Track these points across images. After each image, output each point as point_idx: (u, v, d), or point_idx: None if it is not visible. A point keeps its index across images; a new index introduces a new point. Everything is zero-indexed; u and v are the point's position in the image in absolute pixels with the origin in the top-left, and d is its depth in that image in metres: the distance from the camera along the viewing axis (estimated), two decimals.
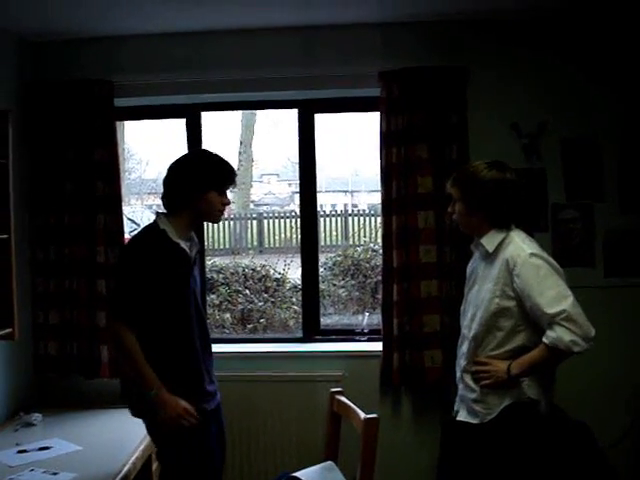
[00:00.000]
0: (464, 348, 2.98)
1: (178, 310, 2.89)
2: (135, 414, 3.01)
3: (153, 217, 3.03)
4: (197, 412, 2.87)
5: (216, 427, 3.06)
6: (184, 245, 2.92)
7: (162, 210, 3.00)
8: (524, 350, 2.83)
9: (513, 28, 4.04)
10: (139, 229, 3.12)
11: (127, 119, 4.66)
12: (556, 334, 2.69)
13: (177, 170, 2.96)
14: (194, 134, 4.41)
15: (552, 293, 2.73)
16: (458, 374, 3.03)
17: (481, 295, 2.90)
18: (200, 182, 2.90)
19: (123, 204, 4.25)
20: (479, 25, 4.04)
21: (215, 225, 7.79)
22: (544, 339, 2.73)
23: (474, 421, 2.91)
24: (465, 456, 2.93)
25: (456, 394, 3.11)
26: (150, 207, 6.76)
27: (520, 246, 2.83)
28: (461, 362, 3.00)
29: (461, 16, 3.97)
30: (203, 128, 4.44)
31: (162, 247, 2.86)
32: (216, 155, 3.02)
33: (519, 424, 2.84)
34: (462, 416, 2.97)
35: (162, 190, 3.01)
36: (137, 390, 2.86)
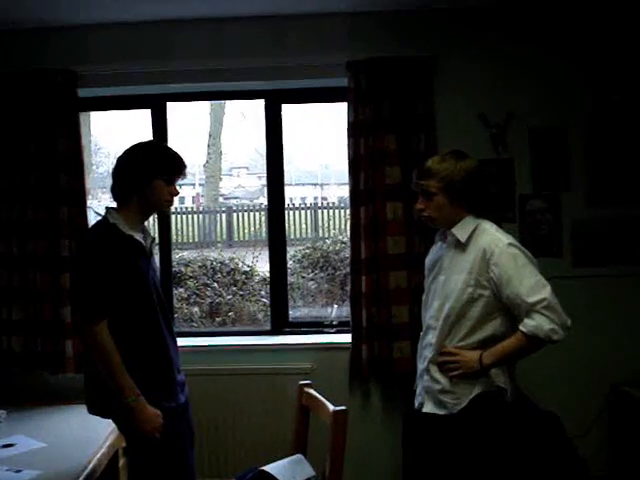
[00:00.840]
0: (429, 339, 2.96)
1: (142, 301, 2.85)
2: (103, 415, 2.96)
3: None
4: (165, 412, 2.84)
5: (185, 421, 3.02)
6: (138, 237, 2.89)
7: (112, 205, 2.96)
8: (492, 340, 2.83)
9: (481, 17, 4.05)
10: (90, 227, 3.07)
11: (91, 110, 4.58)
12: (535, 322, 2.70)
13: (124, 159, 2.93)
14: (160, 125, 4.36)
15: (531, 282, 2.74)
16: (422, 365, 3.00)
17: (450, 285, 2.88)
18: (146, 169, 2.87)
19: (91, 198, 4.20)
20: (447, 14, 4.04)
21: (184, 218, 7.75)
22: (522, 328, 2.73)
23: (442, 412, 2.89)
24: (434, 448, 2.92)
25: (416, 386, 3.11)
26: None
27: (496, 236, 2.85)
28: (426, 353, 2.98)
29: (428, 5, 3.97)
30: (170, 119, 4.40)
31: (116, 240, 2.82)
32: (165, 145, 3.05)
33: (490, 413, 2.84)
34: (428, 408, 2.94)
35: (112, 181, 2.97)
36: (108, 393, 2.81)
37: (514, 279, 2.74)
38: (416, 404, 3.04)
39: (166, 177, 2.91)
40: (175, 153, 2.98)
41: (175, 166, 2.96)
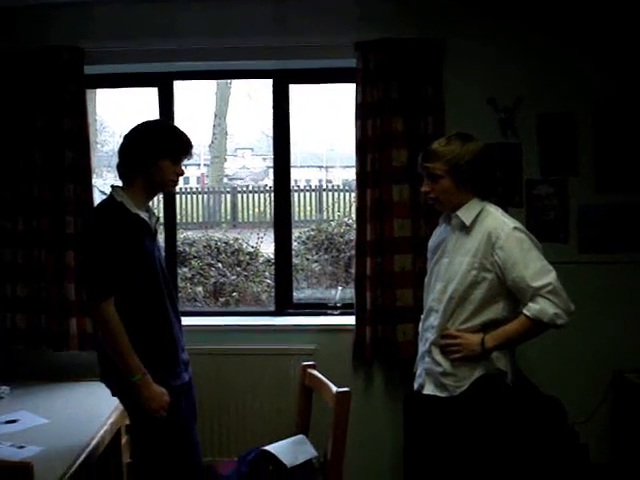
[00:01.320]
0: (432, 321, 2.95)
1: (147, 280, 2.86)
2: (113, 393, 2.98)
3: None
4: (171, 390, 2.85)
5: (189, 400, 3.03)
6: (144, 215, 2.90)
7: (118, 183, 2.96)
8: (495, 323, 2.83)
9: (491, 1, 4.01)
10: (96, 205, 3.06)
11: (98, 87, 4.57)
12: (540, 307, 2.70)
13: (131, 138, 2.92)
14: (166, 103, 4.34)
15: (537, 266, 2.74)
16: (424, 347, 2.99)
17: (454, 268, 2.87)
18: (153, 149, 2.87)
19: (96, 176, 4.19)
20: None
21: (188, 198, 7.74)
22: (526, 311, 2.73)
23: (443, 394, 2.89)
24: (435, 430, 2.92)
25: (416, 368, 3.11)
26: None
27: (502, 220, 2.84)
28: (427, 335, 2.97)
29: None
30: (177, 99, 4.37)
31: (123, 218, 2.82)
32: (171, 124, 3.06)
33: (490, 396, 2.84)
34: (429, 390, 2.94)
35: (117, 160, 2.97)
36: (117, 371, 2.82)
37: (519, 263, 2.73)
38: (416, 386, 3.04)
39: (172, 157, 2.90)
40: (182, 133, 2.97)
41: (182, 146, 2.95)
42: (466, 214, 2.86)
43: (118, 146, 2.98)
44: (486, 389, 2.84)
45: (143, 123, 2.97)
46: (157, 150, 2.87)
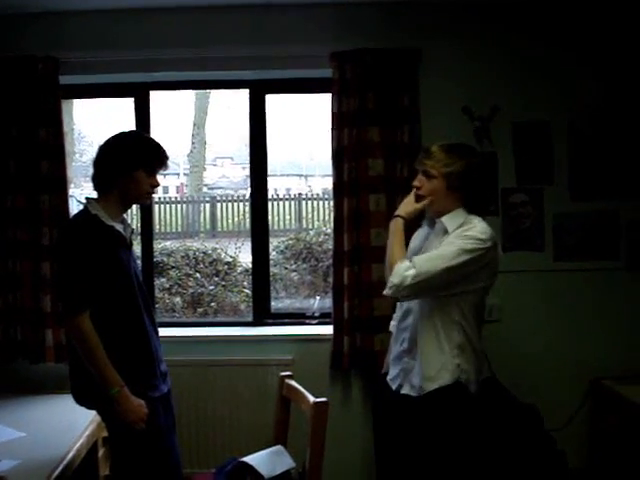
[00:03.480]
0: (409, 321, 2.97)
1: (123, 293, 2.85)
2: (88, 406, 2.96)
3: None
4: (149, 402, 2.85)
5: (167, 412, 3.02)
6: (119, 228, 2.89)
7: (92, 196, 2.94)
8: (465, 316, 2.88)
9: (466, 10, 4.05)
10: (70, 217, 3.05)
11: (73, 97, 4.54)
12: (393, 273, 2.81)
13: (105, 149, 2.91)
14: (143, 114, 4.33)
15: (439, 262, 2.78)
16: (401, 347, 3.01)
17: None
18: (127, 160, 2.86)
19: (74, 186, 4.17)
20: (432, 6, 4.04)
21: (167, 208, 7.70)
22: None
23: (413, 394, 2.92)
24: (406, 429, 2.94)
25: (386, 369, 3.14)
26: None
27: (481, 226, 2.86)
28: (405, 335, 2.99)
29: None
30: (154, 108, 4.36)
31: (97, 231, 2.81)
32: (147, 135, 3.05)
33: (451, 403, 2.86)
34: (406, 389, 2.96)
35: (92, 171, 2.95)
36: (92, 384, 2.79)
37: (453, 242, 2.80)
38: (394, 387, 3.04)
39: (147, 168, 2.90)
40: (157, 144, 2.97)
41: (156, 157, 2.94)
42: (450, 222, 2.90)
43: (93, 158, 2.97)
44: (447, 396, 2.86)
45: (117, 135, 2.95)
46: (131, 162, 2.86)
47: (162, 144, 2.98)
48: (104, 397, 2.76)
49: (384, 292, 2.87)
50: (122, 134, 2.98)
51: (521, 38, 4.05)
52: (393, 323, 3.27)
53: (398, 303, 3.11)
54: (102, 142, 2.94)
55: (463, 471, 2.82)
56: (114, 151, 2.89)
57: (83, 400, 2.94)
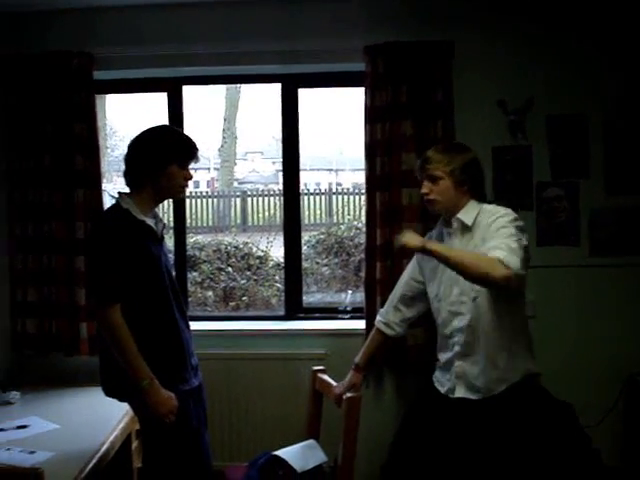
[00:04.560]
0: (456, 325, 2.96)
1: (154, 286, 2.86)
2: (118, 398, 2.98)
3: None
4: (179, 395, 2.86)
5: (199, 405, 3.03)
6: (150, 222, 2.90)
7: (125, 190, 2.96)
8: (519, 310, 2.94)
9: (500, 2, 4.00)
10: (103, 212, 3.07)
11: (107, 92, 4.58)
12: (497, 253, 2.68)
13: (137, 145, 2.92)
14: (175, 109, 4.35)
15: (512, 242, 2.74)
16: (451, 353, 2.99)
17: None
18: (160, 155, 2.86)
19: (105, 181, 4.20)
20: None
21: (198, 202, 7.74)
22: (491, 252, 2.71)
23: (474, 397, 2.91)
24: (461, 432, 2.92)
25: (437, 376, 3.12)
26: None
27: (496, 209, 2.94)
28: (455, 339, 2.97)
29: None
30: (186, 103, 4.38)
31: (128, 224, 2.83)
32: (177, 129, 3.06)
33: (529, 398, 2.92)
34: (460, 393, 2.95)
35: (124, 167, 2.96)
36: (123, 376, 2.81)
37: (503, 229, 2.79)
38: (443, 390, 3.04)
39: (179, 162, 2.90)
40: (187, 137, 2.98)
41: (188, 150, 2.95)
42: (466, 215, 2.96)
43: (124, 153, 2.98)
44: (528, 389, 2.91)
45: (147, 130, 2.96)
46: (163, 156, 2.87)
47: (192, 137, 2.99)
48: (134, 389, 2.78)
49: (510, 264, 2.68)
50: (152, 129, 2.99)
51: (556, 30, 4.00)
52: (379, 318, 3.32)
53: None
54: (132, 138, 2.95)
55: (506, 467, 2.82)
56: (145, 146, 2.90)
57: (113, 392, 2.96)
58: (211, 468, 3.07)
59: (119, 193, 2.94)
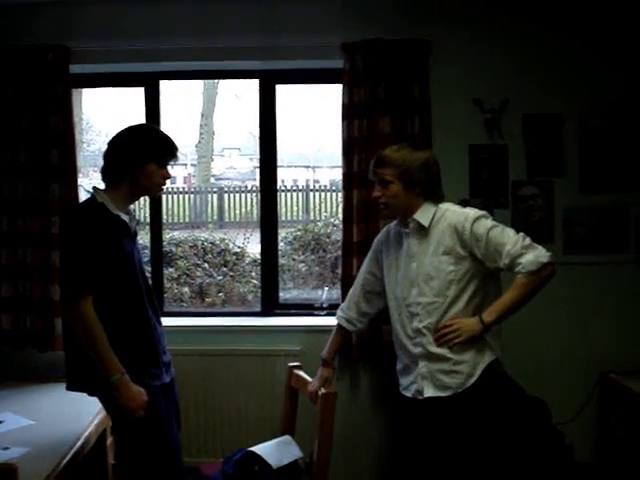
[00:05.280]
0: (416, 325, 2.96)
1: (126, 281, 2.86)
2: (85, 391, 2.96)
3: None
4: (150, 390, 2.86)
5: (170, 401, 3.02)
6: (124, 217, 2.90)
7: (100, 186, 2.95)
8: (481, 305, 2.93)
9: (479, 1, 4.03)
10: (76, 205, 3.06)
11: (83, 86, 4.54)
12: (525, 260, 2.80)
13: (117, 143, 2.93)
14: (152, 104, 4.33)
15: (510, 236, 2.86)
16: (416, 350, 2.98)
17: (425, 269, 2.93)
18: (139, 153, 2.88)
19: (82, 175, 4.17)
20: None
21: (175, 198, 7.71)
22: (518, 272, 2.82)
23: (445, 394, 2.91)
24: (435, 432, 2.93)
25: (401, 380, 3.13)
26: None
27: (462, 211, 2.96)
28: (417, 340, 2.97)
29: None
30: (163, 98, 4.35)
31: (102, 218, 2.83)
32: (156, 128, 3.08)
33: (498, 385, 2.94)
34: (429, 393, 2.94)
35: (102, 164, 2.97)
36: (93, 370, 2.80)
37: (495, 237, 2.85)
38: (410, 394, 3.03)
39: (158, 161, 2.91)
40: (167, 137, 2.98)
41: (167, 149, 2.96)
42: (423, 216, 2.96)
43: (103, 150, 2.97)
44: (494, 377, 2.93)
45: (128, 128, 2.97)
46: (143, 154, 2.88)
47: (171, 136, 2.99)
48: (104, 384, 2.77)
49: (545, 260, 2.81)
50: (132, 127, 3.00)
51: (533, 29, 4.04)
52: (340, 314, 3.34)
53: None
54: (113, 135, 2.95)
55: (479, 462, 2.85)
56: (126, 144, 2.90)
57: (79, 386, 2.95)
58: (182, 463, 3.07)
59: (94, 188, 2.94)
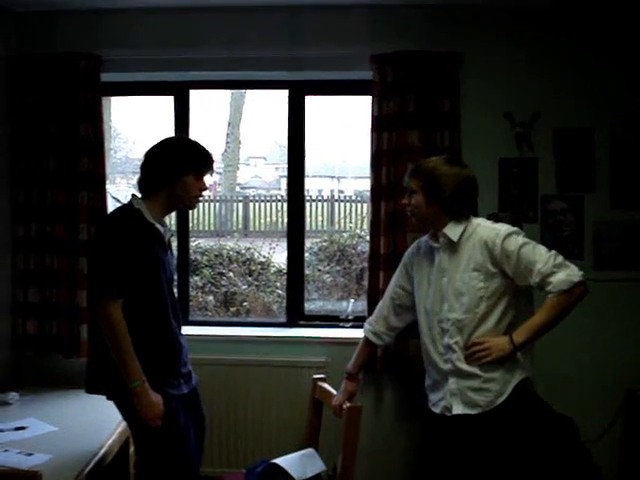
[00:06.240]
0: (447, 341, 2.92)
1: (152, 288, 2.86)
2: (106, 395, 2.96)
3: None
4: (169, 400, 2.86)
5: (190, 413, 3.02)
6: (158, 227, 2.92)
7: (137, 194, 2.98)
8: (512, 324, 2.88)
9: (508, 15, 4.00)
10: (113, 209, 3.08)
11: (114, 95, 4.56)
12: (556, 279, 2.75)
13: (155, 154, 2.95)
14: (182, 112, 4.35)
15: (541, 253, 2.81)
16: (446, 367, 2.94)
17: (455, 285, 2.89)
18: (177, 165, 2.90)
19: (108, 183, 4.19)
20: (476, 10, 4.00)
21: (200, 207, 7.74)
22: (549, 291, 2.77)
23: (474, 412, 2.87)
24: (463, 450, 2.89)
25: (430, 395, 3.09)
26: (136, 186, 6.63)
27: (493, 227, 2.91)
28: (447, 356, 2.93)
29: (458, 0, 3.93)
30: (191, 107, 4.37)
31: (138, 225, 2.85)
32: (193, 140, 3.07)
33: (529, 403, 2.90)
34: (458, 410, 2.90)
35: (139, 175, 3.00)
36: (113, 374, 2.80)
37: (525, 254, 2.80)
38: (438, 410, 2.99)
39: (196, 172, 2.94)
40: (204, 148, 3.01)
41: (204, 161, 2.99)
42: (453, 231, 2.91)
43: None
44: (524, 396, 2.88)
45: (165, 140, 3.01)
46: (180, 166, 2.90)
47: (208, 149, 3.02)
48: (124, 389, 2.77)
49: (577, 280, 2.77)
50: (170, 139, 3.06)
51: (564, 44, 4.00)
52: (368, 327, 3.30)
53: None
54: (150, 147, 2.97)
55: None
56: (163, 156, 2.93)
57: (97, 389, 2.96)
58: (197, 474, 3.06)
59: (133, 195, 2.96)
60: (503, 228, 2.88)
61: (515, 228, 2.90)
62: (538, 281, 2.78)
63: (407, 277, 3.19)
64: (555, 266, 2.76)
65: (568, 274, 2.76)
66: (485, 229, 2.90)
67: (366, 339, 3.32)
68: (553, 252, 2.82)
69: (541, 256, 2.79)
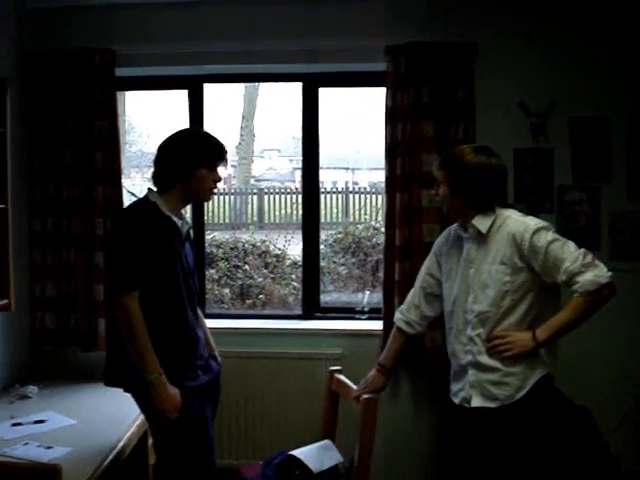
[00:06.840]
0: (469, 333, 2.91)
1: (168, 281, 2.87)
2: (122, 386, 2.99)
3: None
4: (186, 391, 2.88)
5: (205, 403, 3.03)
6: (175, 219, 2.93)
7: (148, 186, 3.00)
8: (538, 319, 2.84)
9: (522, 4, 3.98)
10: (129, 203, 3.09)
11: (128, 89, 4.58)
12: (584, 279, 2.71)
13: (167, 148, 2.96)
14: (196, 106, 4.36)
15: (570, 251, 2.76)
16: (465, 360, 2.94)
17: (481, 277, 2.87)
18: (190, 158, 2.90)
19: (123, 177, 4.21)
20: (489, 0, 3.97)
21: (215, 200, 7.75)
22: (575, 290, 2.74)
23: (492, 405, 2.86)
24: (480, 443, 2.89)
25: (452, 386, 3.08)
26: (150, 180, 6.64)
27: (523, 220, 2.86)
28: (468, 347, 2.92)
29: None
30: (205, 101, 4.38)
31: (153, 218, 2.87)
32: (205, 132, 3.09)
33: (549, 400, 2.87)
34: (477, 402, 2.89)
35: (153, 169, 3.01)
36: (131, 367, 2.82)
37: (554, 250, 2.76)
38: (457, 400, 2.98)
39: (209, 165, 2.94)
40: (217, 140, 3.00)
41: (217, 153, 2.98)
42: (481, 222, 2.87)
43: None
44: (544, 392, 2.86)
45: (177, 133, 3.00)
46: (194, 160, 2.90)
47: (221, 140, 3.01)
48: (141, 382, 2.79)
49: (605, 282, 2.73)
50: (182, 132, 3.04)
51: (579, 33, 3.97)
52: (400, 316, 3.23)
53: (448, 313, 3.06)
54: (162, 140, 2.98)
55: (525, 474, 2.80)
56: (176, 150, 2.93)
57: (116, 382, 2.98)
58: (214, 466, 3.08)
59: (149, 189, 2.98)
60: (533, 222, 2.83)
61: (546, 223, 2.85)
62: (565, 279, 2.74)
63: (437, 265, 3.15)
64: (584, 265, 2.72)
65: (596, 274, 2.71)
66: (515, 222, 2.85)
67: (398, 329, 3.24)
68: (582, 250, 2.76)
69: (570, 254, 2.74)
